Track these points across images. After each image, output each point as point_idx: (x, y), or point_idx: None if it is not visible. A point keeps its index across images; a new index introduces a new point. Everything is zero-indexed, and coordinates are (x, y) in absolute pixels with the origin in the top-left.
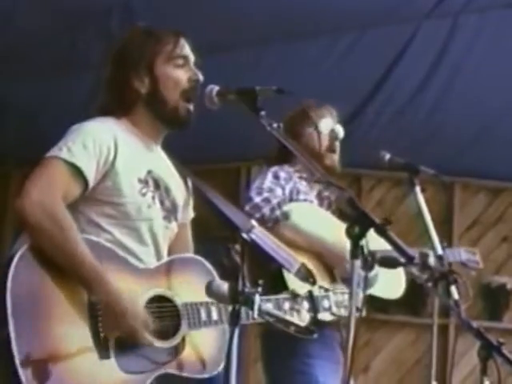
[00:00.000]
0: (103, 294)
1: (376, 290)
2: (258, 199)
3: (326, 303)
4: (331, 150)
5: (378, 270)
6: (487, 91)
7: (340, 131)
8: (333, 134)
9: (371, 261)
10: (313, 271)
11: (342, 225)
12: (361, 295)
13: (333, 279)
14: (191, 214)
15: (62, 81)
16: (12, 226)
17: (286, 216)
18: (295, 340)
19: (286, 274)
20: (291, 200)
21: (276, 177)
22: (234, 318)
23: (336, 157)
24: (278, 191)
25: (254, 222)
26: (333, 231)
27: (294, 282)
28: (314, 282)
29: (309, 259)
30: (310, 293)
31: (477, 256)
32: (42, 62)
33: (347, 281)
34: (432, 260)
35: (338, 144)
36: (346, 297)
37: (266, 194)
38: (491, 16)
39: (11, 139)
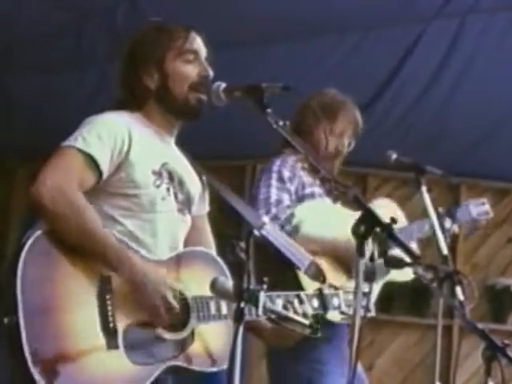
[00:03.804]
0: (128, 270)
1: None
2: (266, 218)
3: (335, 301)
4: (333, 156)
5: None
6: (494, 92)
7: (345, 144)
8: (341, 141)
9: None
10: (330, 272)
11: (348, 214)
12: (373, 295)
13: (350, 277)
14: (207, 208)
15: (68, 76)
16: (17, 222)
17: (296, 229)
18: (303, 343)
19: (301, 276)
20: (297, 196)
21: (280, 179)
22: (238, 315)
23: (336, 162)
24: (285, 199)
25: (265, 219)
26: (342, 227)
27: (308, 283)
28: (324, 280)
29: (325, 260)
30: (320, 290)
31: (486, 206)
32: (47, 57)
33: (366, 278)
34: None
35: (343, 149)
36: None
37: (274, 211)
38: (498, 17)
39: (16, 135)
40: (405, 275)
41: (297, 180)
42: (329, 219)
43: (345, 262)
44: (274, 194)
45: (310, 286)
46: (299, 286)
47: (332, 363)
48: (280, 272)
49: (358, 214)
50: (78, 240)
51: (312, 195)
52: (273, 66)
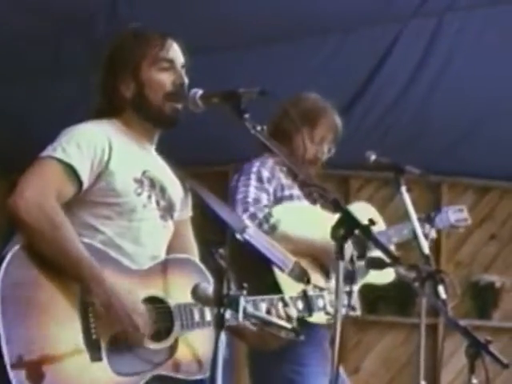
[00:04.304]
0: (101, 291)
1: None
2: (244, 216)
3: (320, 302)
4: (312, 162)
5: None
6: (473, 90)
7: (325, 151)
8: (321, 149)
9: (360, 251)
10: (308, 272)
11: (327, 216)
12: (355, 294)
13: (328, 278)
14: (189, 213)
15: (49, 86)
16: None
17: (273, 228)
18: (284, 345)
19: (280, 279)
20: (276, 198)
21: (259, 179)
22: (219, 321)
23: (314, 169)
24: (264, 198)
25: (248, 222)
26: (319, 229)
27: (287, 286)
28: (308, 281)
29: (303, 261)
30: (304, 292)
31: (464, 212)
32: (27, 66)
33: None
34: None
35: (322, 156)
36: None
37: (251, 209)
38: (476, 14)
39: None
40: (383, 278)
41: (275, 181)
42: (306, 220)
43: (322, 263)
44: (252, 193)
45: (289, 288)
46: (278, 290)
47: (313, 364)
48: (259, 275)
49: (336, 216)
50: (53, 254)
51: (290, 197)
52: (252, 70)
